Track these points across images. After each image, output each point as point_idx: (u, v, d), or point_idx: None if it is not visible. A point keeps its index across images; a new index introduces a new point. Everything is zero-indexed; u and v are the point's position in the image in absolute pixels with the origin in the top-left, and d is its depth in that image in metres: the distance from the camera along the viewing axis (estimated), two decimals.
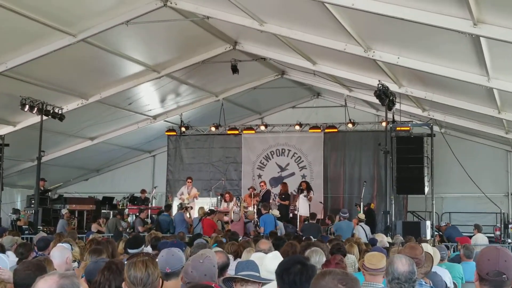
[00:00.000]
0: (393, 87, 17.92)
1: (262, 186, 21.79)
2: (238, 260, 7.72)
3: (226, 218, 19.88)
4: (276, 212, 18.67)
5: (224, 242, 11.38)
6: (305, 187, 20.89)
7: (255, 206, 20.68)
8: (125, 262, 5.15)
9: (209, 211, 18.91)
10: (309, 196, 20.69)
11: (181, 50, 18.47)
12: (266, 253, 7.07)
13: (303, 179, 22.70)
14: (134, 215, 21.32)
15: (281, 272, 4.23)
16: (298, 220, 20.29)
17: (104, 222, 20.40)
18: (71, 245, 8.78)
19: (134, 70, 18.84)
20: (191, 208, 20.57)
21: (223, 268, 5.75)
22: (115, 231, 17.20)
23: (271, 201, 21.51)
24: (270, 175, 24.26)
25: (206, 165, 25.27)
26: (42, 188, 21.48)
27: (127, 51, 17.56)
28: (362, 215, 18.51)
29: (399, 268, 5.09)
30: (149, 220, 20.42)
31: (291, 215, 21.03)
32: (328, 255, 7.60)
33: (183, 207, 19.75)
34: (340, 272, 3.42)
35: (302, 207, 20.53)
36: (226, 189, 23.20)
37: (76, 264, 8.07)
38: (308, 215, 19.27)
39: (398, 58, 14.76)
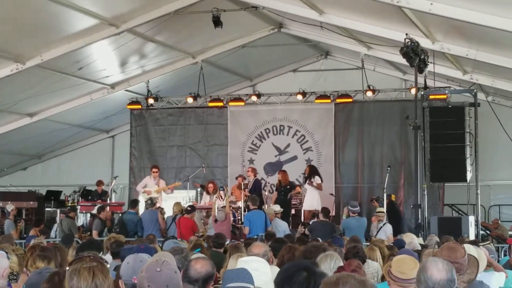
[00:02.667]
0: (425, 42, 17.91)
1: (249, 174, 21.77)
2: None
3: (207, 219, 19.92)
4: (275, 208, 18.71)
5: (205, 247, 11.44)
6: (308, 172, 20.91)
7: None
8: None
9: (188, 208, 18.93)
10: (315, 183, 20.69)
11: None
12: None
13: (308, 164, 22.75)
14: (88, 214, 21.31)
15: (282, 281, 4.26)
16: (302, 217, 20.37)
17: (42, 229, 20.12)
18: (7, 253, 8.78)
19: (85, 25, 18.70)
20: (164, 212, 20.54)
21: (206, 279, 5.77)
22: (65, 234, 17.17)
23: (267, 193, 21.60)
24: (265, 159, 24.34)
25: (180, 148, 25.30)
26: None
27: None
28: (381, 209, 18.70)
29: (434, 275, 5.13)
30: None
31: (293, 211, 21.12)
32: (342, 261, 7.66)
33: (153, 203, 19.75)
34: (358, 279, 3.44)
35: (309, 199, 20.59)
36: (207, 178, 23.27)
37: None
38: (318, 209, 19.31)
39: (431, 4, 14.75)
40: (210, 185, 21.18)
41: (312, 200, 20.60)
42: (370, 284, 3.55)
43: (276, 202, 20.33)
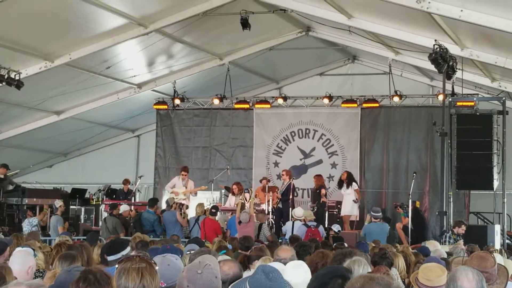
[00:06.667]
0: (453, 49, 17.83)
1: (284, 177, 21.72)
2: (245, 271, 7.73)
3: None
4: (299, 213, 18.66)
5: (229, 249, 11.42)
6: (345, 178, 20.94)
7: (271, 203, 20.73)
8: (105, 270, 5.20)
9: (213, 210, 18.92)
10: (352, 189, 20.82)
11: None
12: (287, 263, 7.11)
13: (331, 166, 22.72)
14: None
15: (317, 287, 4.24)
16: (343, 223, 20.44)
17: (68, 226, 20.14)
18: (33, 250, 8.84)
19: (114, 24, 18.81)
20: (187, 207, 20.61)
21: (233, 281, 5.75)
22: (91, 233, 17.19)
23: (290, 197, 21.56)
24: (290, 163, 24.31)
25: (206, 149, 25.36)
26: (1, 177, 21.76)
27: None
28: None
29: (464, 285, 5.07)
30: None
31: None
32: (369, 266, 7.61)
33: (170, 205, 19.73)
34: (382, 283, 3.39)
35: (346, 205, 20.81)
36: (231, 180, 23.30)
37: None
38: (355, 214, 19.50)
39: (462, 10, 14.69)
40: (234, 186, 21.18)
41: (349, 205, 20.67)
42: (395, 286, 3.50)
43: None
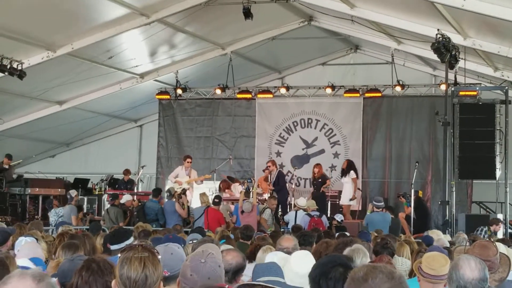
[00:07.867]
0: (456, 38, 17.82)
1: (271, 167, 21.61)
2: (254, 262, 7.75)
3: (232, 208, 19.99)
4: (302, 202, 18.67)
5: (231, 238, 11.44)
6: (345, 166, 20.90)
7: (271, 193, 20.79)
8: (108, 259, 5.21)
9: (216, 200, 18.93)
10: (349, 178, 20.78)
11: None
12: (289, 252, 7.13)
13: (334, 156, 22.69)
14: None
15: (318, 276, 4.24)
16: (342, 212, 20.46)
17: (83, 216, 20.21)
18: (36, 239, 8.86)
19: (116, 14, 18.80)
20: (184, 192, 20.47)
21: (236, 271, 5.77)
22: (92, 222, 17.20)
23: (293, 186, 21.57)
24: (293, 152, 24.34)
25: (208, 139, 25.37)
26: (6, 167, 21.78)
27: None
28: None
29: (467, 274, 5.08)
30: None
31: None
32: (371, 255, 7.63)
33: (172, 194, 19.69)
34: (385, 271, 3.37)
35: (346, 194, 20.75)
36: (234, 170, 23.38)
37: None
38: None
39: (464, 0, 14.66)
40: (221, 184, 21.40)
41: (349, 194, 20.63)
42: (398, 275, 3.49)
43: (312, 196, 20.45)
